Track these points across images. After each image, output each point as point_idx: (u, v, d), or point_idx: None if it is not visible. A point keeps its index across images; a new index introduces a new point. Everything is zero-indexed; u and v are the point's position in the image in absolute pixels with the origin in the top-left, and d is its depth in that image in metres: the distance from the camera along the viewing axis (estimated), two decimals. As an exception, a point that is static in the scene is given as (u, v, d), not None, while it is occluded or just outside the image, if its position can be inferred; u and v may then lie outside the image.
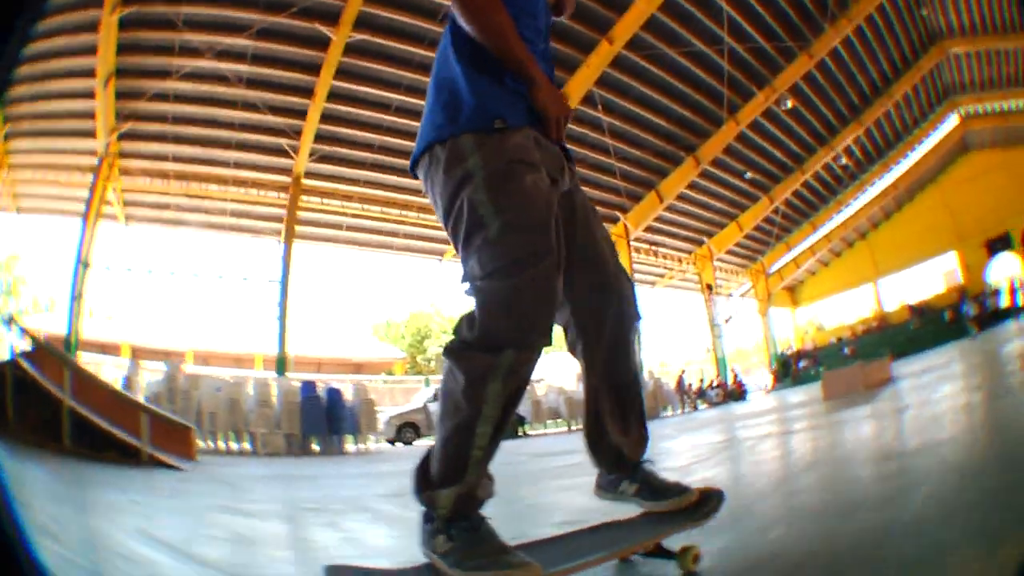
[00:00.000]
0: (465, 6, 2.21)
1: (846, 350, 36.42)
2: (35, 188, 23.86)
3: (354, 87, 21.29)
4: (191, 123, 21.73)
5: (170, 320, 35.28)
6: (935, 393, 7.84)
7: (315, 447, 16.98)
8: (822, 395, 13.59)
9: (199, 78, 19.75)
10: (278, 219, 24.69)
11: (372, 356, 44.95)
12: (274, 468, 11.59)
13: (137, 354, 27.45)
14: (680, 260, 35.34)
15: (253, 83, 20.39)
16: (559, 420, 25.15)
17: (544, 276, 2.05)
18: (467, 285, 2.15)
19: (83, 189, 21.49)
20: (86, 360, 19.91)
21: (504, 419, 2.06)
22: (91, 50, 18.27)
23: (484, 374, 2.01)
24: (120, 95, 19.78)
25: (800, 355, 40.09)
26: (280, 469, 11.38)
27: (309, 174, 23.96)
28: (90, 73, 18.84)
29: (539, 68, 2.27)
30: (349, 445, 18.26)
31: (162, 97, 20.17)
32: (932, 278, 39.13)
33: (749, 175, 31.48)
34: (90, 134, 20.77)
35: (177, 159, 22.57)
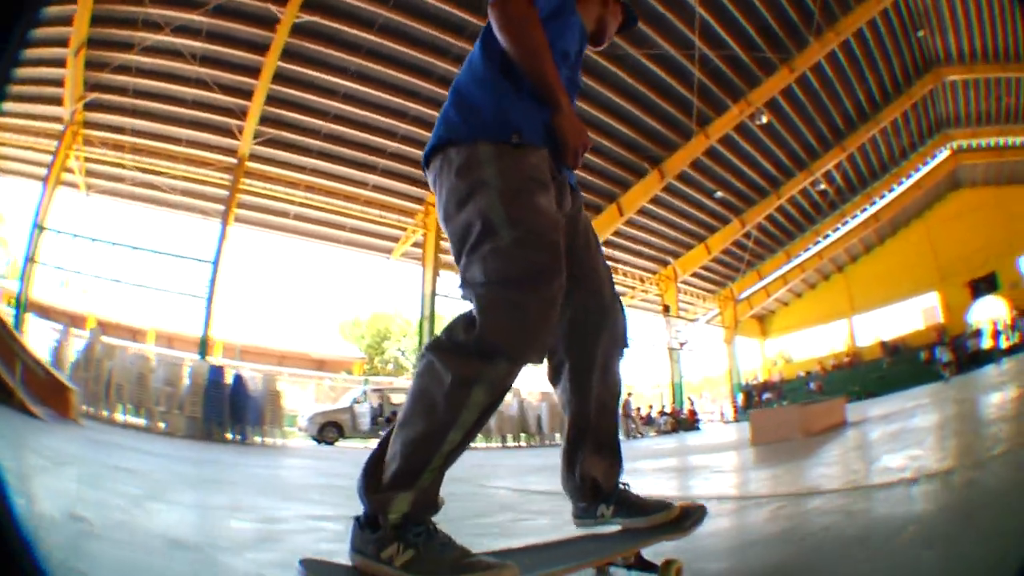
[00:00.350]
0: (503, 18, 2.11)
1: (812, 385, 34.82)
2: (10, 151, 23.07)
3: (301, 69, 20.41)
4: (149, 97, 21.08)
5: (136, 298, 33.54)
6: (886, 457, 5.73)
7: (227, 435, 16.35)
8: (750, 438, 11.58)
9: (158, 52, 19.26)
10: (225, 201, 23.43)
11: (334, 354, 44.12)
12: (146, 445, 10.56)
13: (105, 328, 24.65)
14: (642, 279, 33.06)
15: (206, 60, 19.83)
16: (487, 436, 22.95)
17: (551, 296, 1.96)
18: (466, 289, 2.02)
19: (47, 155, 21.33)
20: (35, 324, 19.95)
21: (475, 430, 1.93)
22: (67, 20, 17.84)
23: (472, 379, 1.87)
24: (88, 65, 19.40)
25: (765, 387, 37.81)
26: (152, 448, 10.39)
27: (254, 156, 22.88)
28: (64, 43, 18.44)
29: (566, 94, 2.19)
30: (266, 437, 17.45)
31: (124, 69, 19.73)
32: (910, 315, 37.24)
33: (719, 194, 29.03)
34: (58, 101, 20.41)
35: (135, 132, 21.95)
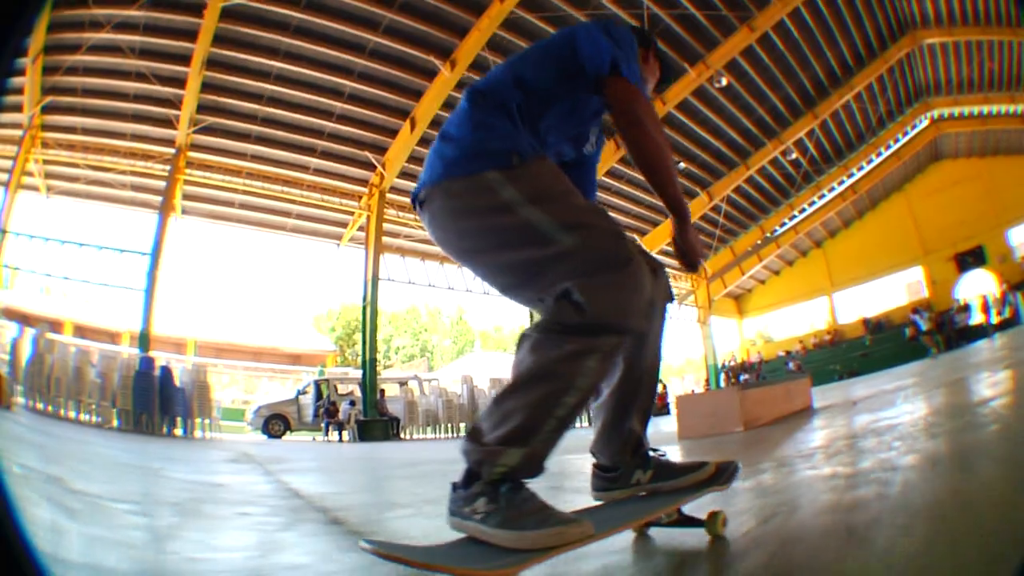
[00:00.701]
0: (649, 137, 2.17)
1: (791, 365, 33.21)
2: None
3: (232, 54, 19.78)
4: (96, 95, 21.06)
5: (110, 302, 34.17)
6: (841, 470, 3.59)
7: (164, 427, 16.14)
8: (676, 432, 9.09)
9: (102, 50, 19.02)
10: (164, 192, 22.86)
11: (308, 348, 45.00)
12: (68, 434, 10.08)
13: (81, 332, 29.60)
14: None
15: (144, 53, 19.45)
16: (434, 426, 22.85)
17: (636, 269, 2.00)
18: (551, 298, 2.05)
19: (8, 160, 21.35)
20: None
21: (588, 395, 2.02)
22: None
23: (586, 351, 1.95)
24: (44, 70, 19.52)
25: (743, 368, 35.86)
26: (72, 435, 9.88)
27: (195, 146, 22.58)
28: (24, 52, 18.14)
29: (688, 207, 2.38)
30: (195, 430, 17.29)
31: (73, 70, 19.69)
32: (894, 290, 35.51)
33: (682, 165, 26.85)
34: (18, 108, 20.45)
35: (86, 131, 21.89)
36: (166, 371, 16.95)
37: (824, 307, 38.45)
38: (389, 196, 24.50)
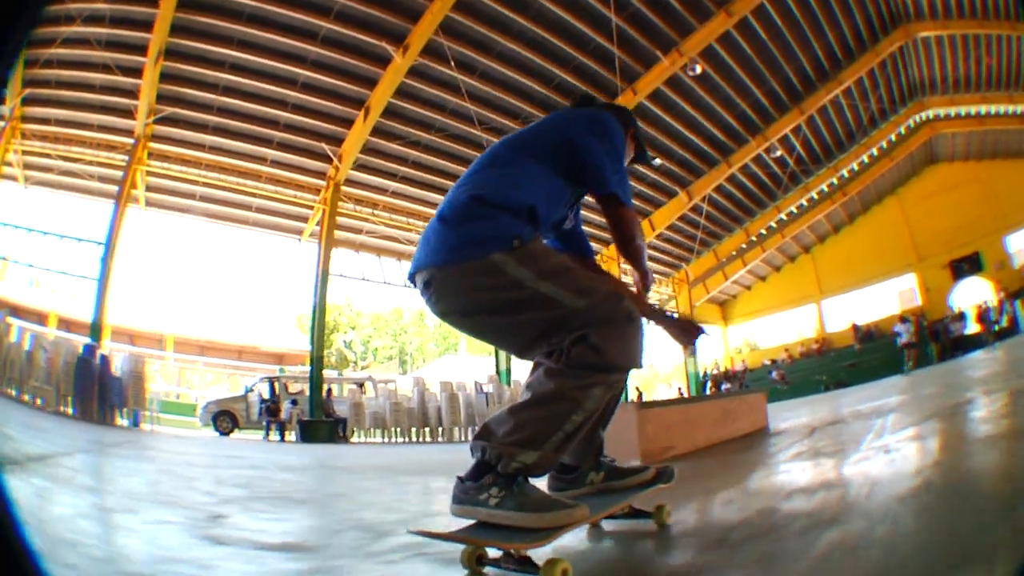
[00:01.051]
0: (637, 247, 2.67)
1: (774, 374, 31.67)
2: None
3: (189, 43, 19.37)
4: (68, 87, 21.08)
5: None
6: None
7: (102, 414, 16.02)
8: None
9: (74, 43, 18.96)
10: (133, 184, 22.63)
11: (290, 347, 43.96)
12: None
13: (67, 325, 29.54)
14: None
15: (110, 45, 19.29)
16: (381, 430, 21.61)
17: (636, 321, 2.40)
18: (566, 353, 2.34)
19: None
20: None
21: (590, 417, 2.33)
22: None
23: (594, 383, 2.31)
24: (25, 63, 19.79)
25: (726, 376, 34.16)
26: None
27: (156, 137, 22.19)
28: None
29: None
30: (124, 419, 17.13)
31: (49, 63, 19.80)
32: (886, 298, 33.76)
33: (658, 162, 25.11)
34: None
35: (59, 122, 21.93)
36: (104, 359, 16.93)
37: (813, 315, 36.78)
38: (346, 189, 23.63)
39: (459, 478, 2.29)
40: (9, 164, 22.33)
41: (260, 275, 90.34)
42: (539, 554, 2.13)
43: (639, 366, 2.44)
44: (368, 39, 19.10)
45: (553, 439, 2.24)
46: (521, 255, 2.32)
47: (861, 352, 30.68)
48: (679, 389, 34.50)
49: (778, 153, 27.02)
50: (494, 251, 2.31)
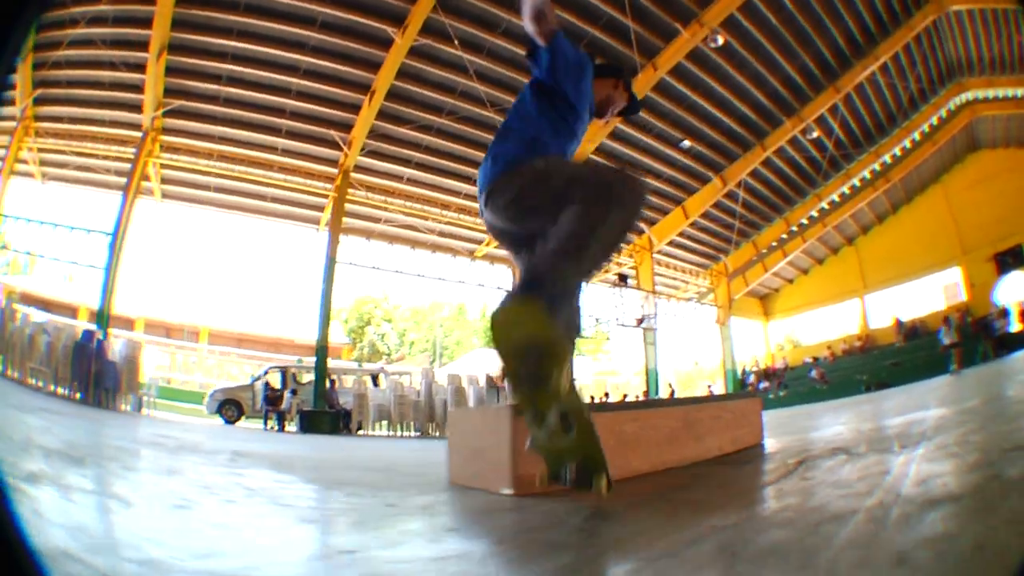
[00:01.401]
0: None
1: (813, 373, 29.82)
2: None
3: (190, 36, 19.51)
4: (79, 86, 21.46)
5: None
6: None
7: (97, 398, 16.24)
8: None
9: (80, 44, 19.38)
10: (145, 178, 23.10)
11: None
12: None
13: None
14: (617, 252, 27.59)
15: (115, 43, 19.64)
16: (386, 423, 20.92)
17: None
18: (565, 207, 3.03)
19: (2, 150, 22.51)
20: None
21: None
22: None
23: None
24: (35, 66, 20.51)
25: (766, 374, 32.47)
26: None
27: (166, 130, 22.30)
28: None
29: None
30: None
31: (58, 65, 20.22)
32: (931, 293, 31.71)
33: (687, 143, 23.78)
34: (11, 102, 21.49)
35: (72, 120, 22.38)
36: (100, 344, 17.05)
37: (856, 310, 34.75)
38: (360, 177, 23.46)
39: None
40: (24, 162, 23.27)
41: (300, 268, 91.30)
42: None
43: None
44: (366, 21, 18.73)
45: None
46: (548, 159, 3.11)
47: (904, 350, 28.75)
48: (708, 387, 32.95)
49: (815, 134, 25.35)
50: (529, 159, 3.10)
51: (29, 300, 28.17)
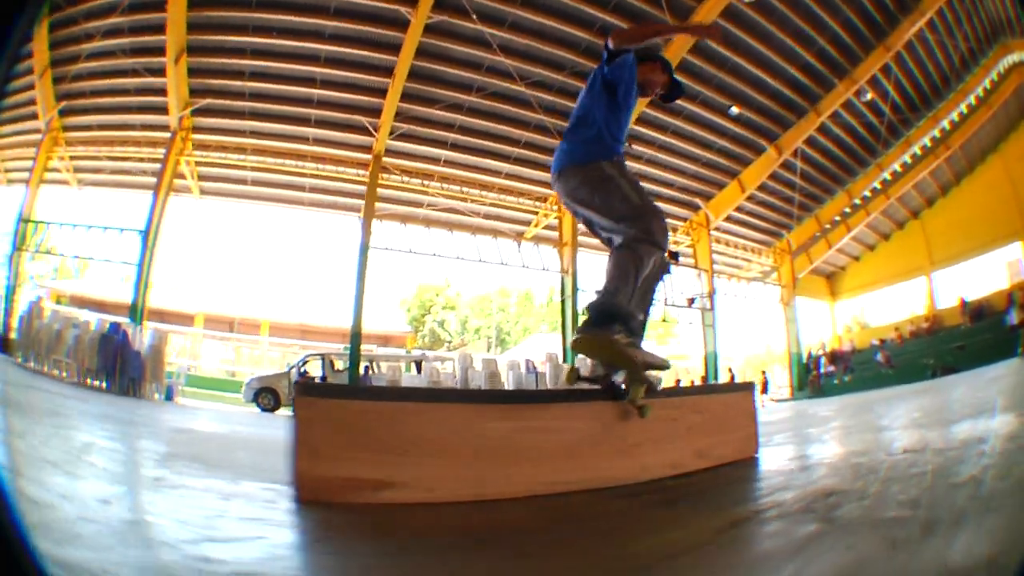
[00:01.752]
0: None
1: (879, 356, 28.05)
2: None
3: (208, 38, 20.18)
4: (104, 95, 22.28)
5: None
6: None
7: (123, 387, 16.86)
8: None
9: (99, 56, 20.26)
10: (179, 175, 23.74)
11: (394, 330, 44.81)
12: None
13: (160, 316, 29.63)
14: (674, 230, 27.04)
15: (134, 51, 20.42)
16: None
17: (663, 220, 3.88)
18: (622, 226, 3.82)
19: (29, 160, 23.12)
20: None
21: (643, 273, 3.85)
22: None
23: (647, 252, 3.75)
24: (55, 80, 21.25)
25: (832, 357, 30.91)
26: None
27: (197, 128, 22.86)
28: (30, 70, 20.70)
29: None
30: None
31: (79, 77, 21.07)
32: (995, 270, 29.00)
33: (736, 111, 22.82)
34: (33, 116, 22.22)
35: (100, 127, 23.12)
36: (124, 335, 17.66)
37: (923, 288, 32.30)
38: (393, 161, 23.44)
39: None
40: (57, 170, 23.68)
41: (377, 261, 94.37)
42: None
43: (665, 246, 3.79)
44: (378, 3, 18.78)
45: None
46: (615, 165, 3.88)
47: (970, 332, 26.56)
48: (763, 373, 31.28)
49: (868, 96, 23.90)
50: (600, 159, 3.88)
51: (83, 303, 28.98)
